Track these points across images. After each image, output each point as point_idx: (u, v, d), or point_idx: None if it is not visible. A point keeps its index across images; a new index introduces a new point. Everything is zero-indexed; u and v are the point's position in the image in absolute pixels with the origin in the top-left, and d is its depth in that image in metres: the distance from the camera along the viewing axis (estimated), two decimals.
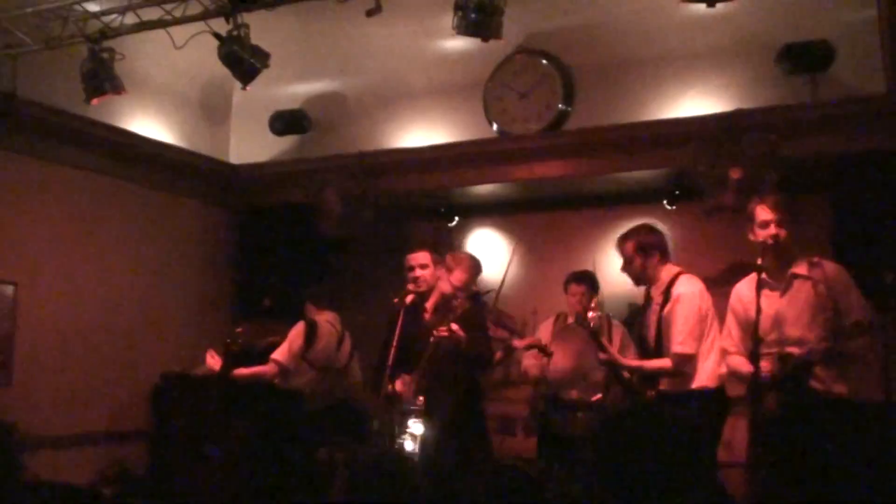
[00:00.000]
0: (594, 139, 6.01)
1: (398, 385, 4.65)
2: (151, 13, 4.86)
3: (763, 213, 4.01)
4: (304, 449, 5.40)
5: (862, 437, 3.98)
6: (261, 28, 4.75)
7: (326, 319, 5.51)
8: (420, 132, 6.71)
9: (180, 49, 4.71)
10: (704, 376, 4.44)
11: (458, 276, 4.97)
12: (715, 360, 4.46)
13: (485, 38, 4.38)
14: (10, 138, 5.52)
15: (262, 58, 4.75)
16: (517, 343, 5.51)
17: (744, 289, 4.17)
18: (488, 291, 4.93)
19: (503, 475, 4.60)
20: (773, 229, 3.96)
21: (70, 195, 5.96)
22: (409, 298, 4.88)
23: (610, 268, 6.22)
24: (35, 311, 5.62)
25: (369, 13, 4.35)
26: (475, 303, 4.68)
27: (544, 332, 5.73)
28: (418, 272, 4.93)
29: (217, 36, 4.65)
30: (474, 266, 5.11)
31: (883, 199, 5.22)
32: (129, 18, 4.93)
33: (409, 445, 4.53)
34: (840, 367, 3.90)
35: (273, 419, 5.32)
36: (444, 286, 5.08)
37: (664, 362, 4.53)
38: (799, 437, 3.80)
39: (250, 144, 7.26)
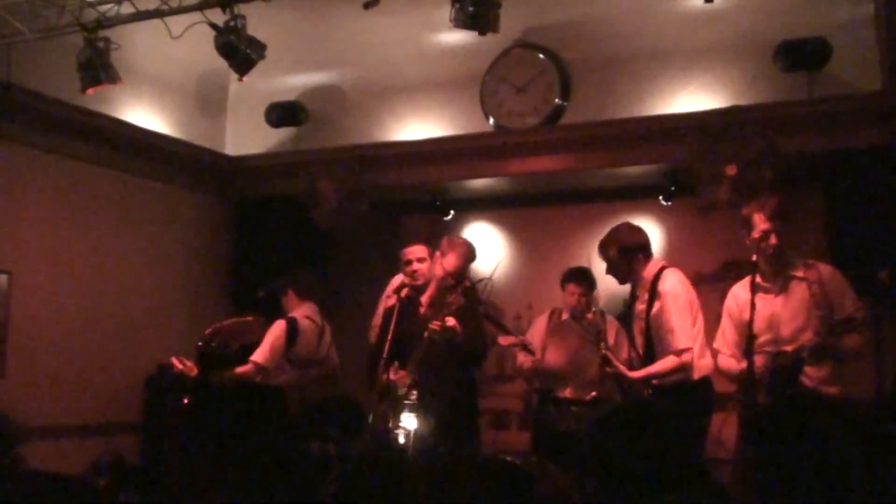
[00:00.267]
0: (591, 134, 6.01)
1: (392, 373, 4.65)
2: (148, 3, 4.84)
3: (761, 222, 4.01)
4: (291, 445, 5.39)
5: (851, 434, 4.00)
6: (257, 19, 4.73)
7: (305, 314, 5.37)
8: (416, 125, 6.70)
9: (176, 39, 4.68)
10: (701, 370, 4.48)
11: (450, 261, 4.98)
12: (699, 351, 4.48)
13: (482, 32, 4.37)
14: (4, 127, 5.49)
15: (258, 49, 4.73)
16: (501, 340, 5.48)
17: (740, 291, 4.19)
18: (480, 280, 4.89)
19: (496, 469, 4.61)
20: (772, 239, 3.97)
21: (65, 185, 5.94)
22: (404, 292, 4.88)
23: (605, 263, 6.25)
24: (29, 300, 5.60)
25: (367, 5, 4.34)
26: (469, 296, 4.68)
27: (539, 328, 5.73)
28: (416, 266, 4.93)
29: (213, 26, 4.63)
30: (469, 252, 5.08)
31: (878, 197, 5.23)
32: (126, 8, 4.90)
33: (403, 439, 4.53)
34: (833, 366, 3.92)
35: (256, 417, 5.17)
36: (437, 269, 5.10)
37: (669, 362, 4.52)
38: (787, 434, 3.81)
39: (246, 136, 7.24)
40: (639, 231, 4.78)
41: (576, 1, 6.01)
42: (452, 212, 7.13)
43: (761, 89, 5.63)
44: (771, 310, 3.97)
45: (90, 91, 5.08)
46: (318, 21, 6.26)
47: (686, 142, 5.54)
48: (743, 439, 4.08)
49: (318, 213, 6.55)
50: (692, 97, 5.85)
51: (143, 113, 6.52)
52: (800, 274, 3.99)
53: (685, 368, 4.50)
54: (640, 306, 4.65)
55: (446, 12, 4.37)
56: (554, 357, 5.51)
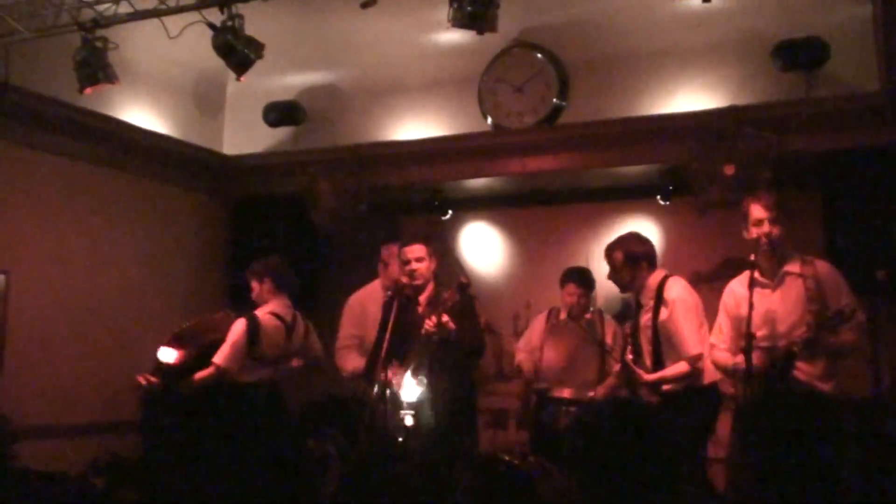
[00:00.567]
0: (589, 134, 6.02)
1: (390, 372, 4.64)
2: (145, 2, 4.84)
3: (757, 210, 4.03)
4: (289, 443, 5.37)
5: (844, 431, 4.01)
6: (255, 18, 4.73)
7: (272, 310, 5.14)
8: (414, 125, 6.70)
9: (174, 39, 4.68)
10: (710, 374, 4.49)
11: (394, 270, 5.14)
12: (707, 356, 4.51)
13: (480, 31, 4.37)
14: (1, 127, 5.49)
15: (256, 48, 4.73)
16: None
17: (737, 286, 4.19)
18: (467, 284, 4.80)
19: (495, 469, 4.62)
20: (766, 227, 3.99)
21: (62, 184, 5.93)
22: (403, 291, 4.88)
23: (604, 263, 6.25)
24: (27, 300, 5.59)
25: (364, 5, 4.34)
26: (464, 294, 4.67)
27: (537, 328, 5.73)
28: (414, 265, 4.92)
29: (211, 26, 4.63)
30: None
31: (876, 196, 5.23)
32: (123, 7, 4.90)
33: (401, 438, 4.53)
34: (827, 362, 3.92)
35: (234, 417, 5.00)
36: (385, 281, 5.35)
37: (682, 367, 4.51)
38: (778, 429, 3.82)
39: (244, 135, 7.23)
40: (646, 241, 4.81)
41: (574, 1, 6.01)
42: (451, 211, 7.13)
43: (759, 89, 5.64)
44: (767, 305, 3.98)
45: (88, 90, 5.08)
46: (315, 21, 6.26)
47: (684, 141, 5.55)
48: (736, 435, 4.08)
49: (316, 212, 6.55)
50: (690, 97, 5.85)
51: (141, 112, 6.51)
52: (797, 270, 4.00)
53: (697, 374, 4.53)
54: (646, 315, 4.65)
55: (444, 12, 4.37)
56: (552, 357, 5.50)
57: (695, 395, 4.48)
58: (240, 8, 4.61)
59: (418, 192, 7.00)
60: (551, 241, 6.73)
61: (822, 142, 5.42)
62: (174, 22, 4.74)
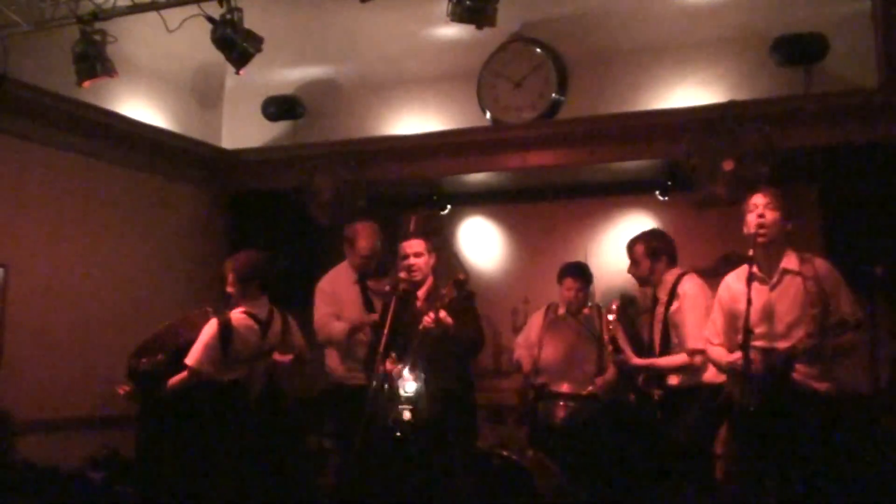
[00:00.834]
0: (588, 129, 6.01)
1: (388, 364, 4.65)
2: None
3: (755, 199, 4.04)
4: (286, 439, 5.35)
5: (841, 430, 4.02)
6: (254, 12, 4.72)
7: (247, 310, 4.93)
8: (413, 120, 6.69)
9: (173, 32, 4.67)
10: (712, 371, 4.49)
11: (363, 245, 5.39)
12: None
13: (479, 26, 4.36)
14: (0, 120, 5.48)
15: (255, 42, 4.71)
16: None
17: (733, 280, 4.19)
18: (464, 280, 4.80)
19: (493, 463, 4.63)
20: (761, 210, 3.97)
21: (61, 178, 5.92)
22: (402, 287, 4.88)
23: (602, 258, 6.27)
24: (25, 294, 5.58)
25: None
26: (462, 288, 4.67)
27: (535, 323, 5.74)
28: (412, 260, 4.93)
29: (210, 19, 4.61)
30: (376, 230, 5.53)
31: (874, 192, 5.23)
32: (122, 0, 4.90)
33: (400, 433, 4.53)
34: (824, 363, 3.92)
35: (222, 415, 4.84)
36: (354, 259, 5.49)
37: (678, 358, 4.67)
38: (777, 430, 3.82)
39: (243, 129, 7.23)
40: (667, 238, 5.04)
41: None
42: (449, 206, 7.13)
43: (758, 84, 5.63)
44: (765, 302, 3.96)
45: (86, 84, 5.06)
46: (315, 15, 6.25)
47: (683, 137, 5.54)
48: (734, 435, 4.09)
49: (314, 207, 6.54)
50: (689, 92, 5.85)
51: (140, 106, 6.50)
52: (795, 268, 3.99)
53: (693, 369, 4.54)
54: (660, 309, 4.82)
55: (443, 6, 4.36)
56: (550, 352, 5.51)
57: (700, 392, 4.50)
58: (239, 1, 4.60)
59: (417, 187, 6.99)
60: (550, 237, 6.73)
61: (820, 137, 5.42)
62: (173, 15, 4.72)
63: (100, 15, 4.88)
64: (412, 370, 4.60)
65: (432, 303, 4.67)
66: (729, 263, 4.35)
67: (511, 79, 6.26)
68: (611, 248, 6.44)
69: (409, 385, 4.58)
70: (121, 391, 4.88)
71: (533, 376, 5.52)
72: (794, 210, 4.09)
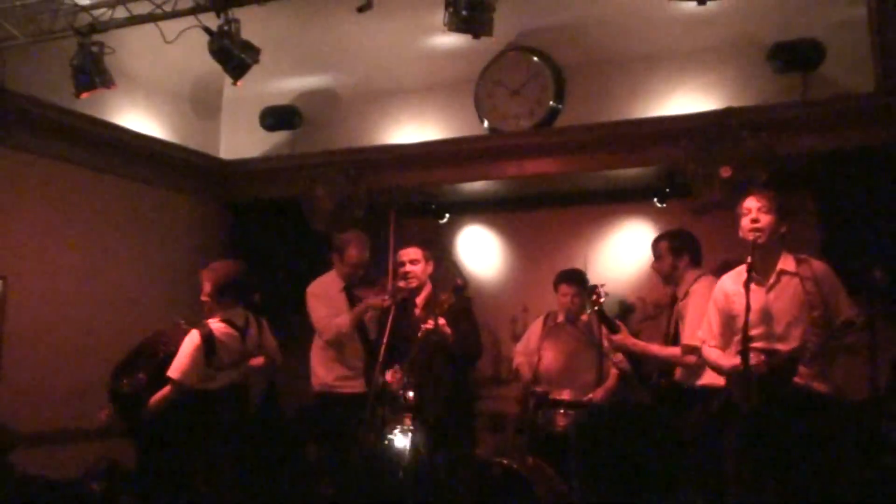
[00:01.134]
0: (585, 136, 6.02)
1: (388, 376, 4.65)
2: (141, 7, 4.84)
3: (748, 202, 4.05)
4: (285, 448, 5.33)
5: (843, 431, 4.01)
6: (251, 23, 4.73)
7: (226, 318, 4.89)
8: (411, 129, 6.70)
9: (170, 44, 4.69)
10: (711, 374, 4.49)
11: (352, 255, 5.45)
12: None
13: (476, 35, 4.38)
14: None
15: (252, 53, 4.73)
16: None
17: (728, 282, 4.19)
18: (463, 286, 4.85)
19: (493, 472, 4.62)
20: (754, 214, 3.98)
21: (59, 189, 5.93)
22: (400, 295, 4.89)
23: (601, 265, 6.27)
24: (23, 305, 5.59)
25: (360, 9, 4.34)
26: (460, 295, 4.68)
27: (535, 331, 5.73)
28: (409, 267, 4.93)
29: (207, 31, 4.63)
30: (364, 239, 5.60)
31: (871, 198, 5.24)
32: (119, 12, 4.91)
33: (399, 441, 4.52)
34: (824, 364, 3.92)
35: (211, 425, 4.81)
36: (343, 269, 5.54)
37: (672, 350, 4.81)
38: (780, 433, 3.81)
39: (241, 140, 7.24)
40: (692, 238, 5.11)
41: (569, 4, 6.02)
42: (448, 215, 7.13)
43: (755, 91, 5.65)
44: (761, 304, 3.96)
45: (84, 95, 5.09)
46: (312, 25, 6.27)
47: (680, 144, 5.55)
48: (736, 438, 4.08)
49: (312, 216, 6.54)
50: (686, 99, 5.86)
51: (138, 117, 6.51)
52: (792, 269, 3.99)
53: (689, 366, 4.57)
54: (676, 306, 4.94)
55: (440, 16, 4.37)
56: (550, 360, 5.51)
57: (701, 394, 4.51)
58: (236, 12, 4.62)
59: (415, 196, 7.00)
60: (548, 245, 6.73)
61: (817, 143, 5.42)
62: (170, 27, 4.74)
63: (97, 27, 4.90)
64: (411, 377, 4.60)
65: (431, 309, 4.67)
66: (727, 270, 4.34)
67: (508, 87, 6.28)
68: (609, 255, 6.46)
69: (408, 393, 4.58)
70: (102, 416, 4.78)
71: (532, 384, 5.51)
72: (790, 213, 4.09)
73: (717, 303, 4.20)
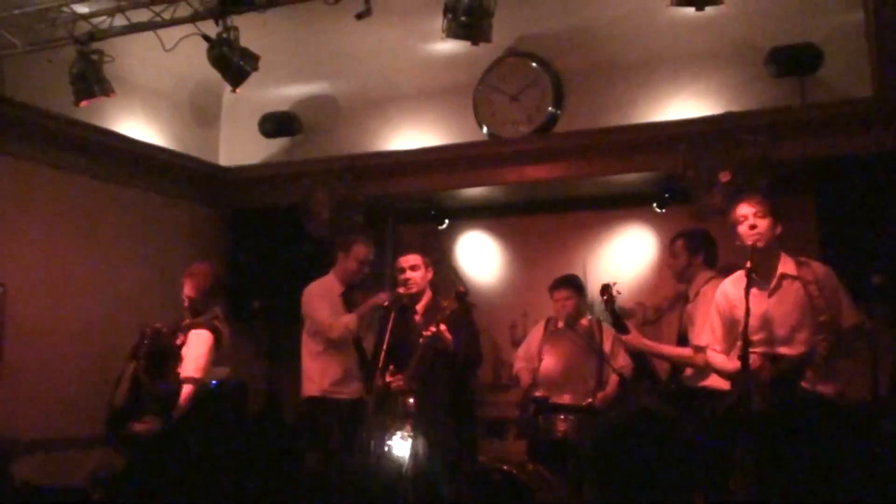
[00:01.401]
0: (584, 142, 6.03)
1: (387, 378, 4.64)
2: (140, 15, 4.85)
3: (741, 209, 4.04)
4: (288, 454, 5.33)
5: (851, 436, 4.00)
6: (250, 30, 4.74)
7: (214, 315, 5.03)
8: (410, 135, 6.71)
9: (170, 51, 4.69)
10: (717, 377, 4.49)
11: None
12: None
13: (474, 42, 4.38)
14: None
15: (251, 60, 4.74)
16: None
17: (729, 287, 4.18)
18: (465, 292, 4.85)
19: (493, 478, 4.61)
20: (751, 220, 3.97)
21: (59, 197, 5.93)
22: (403, 301, 4.89)
23: (600, 271, 6.26)
24: (23, 313, 5.58)
25: (359, 16, 4.34)
26: (462, 302, 4.68)
27: (535, 337, 5.73)
28: (409, 274, 4.94)
29: (206, 38, 4.64)
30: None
31: (869, 202, 5.24)
32: (119, 20, 4.91)
33: (399, 448, 4.52)
34: (829, 366, 3.92)
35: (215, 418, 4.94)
36: (350, 264, 5.57)
37: (683, 351, 4.84)
38: (788, 437, 3.81)
39: (240, 147, 7.25)
40: (711, 240, 5.10)
41: (568, 9, 6.02)
42: (447, 221, 7.13)
43: (753, 95, 5.65)
44: (763, 308, 3.95)
45: (84, 104, 5.09)
46: (311, 32, 6.27)
47: (679, 149, 5.55)
48: (743, 442, 4.07)
49: (312, 223, 6.54)
50: (685, 104, 5.87)
51: (137, 125, 6.52)
52: (793, 272, 3.98)
53: (696, 365, 4.58)
54: (688, 306, 4.98)
55: (439, 22, 4.37)
56: (550, 364, 5.50)
57: (709, 396, 4.51)
58: (235, 20, 4.62)
59: (414, 202, 7.00)
60: (548, 250, 6.73)
61: (816, 148, 5.43)
62: (169, 34, 4.75)
63: (96, 35, 4.91)
64: (412, 383, 4.60)
65: (433, 315, 4.68)
66: (727, 275, 4.34)
67: (507, 93, 6.28)
68: (609, 260, 6.45)
69: (408, 399, 4.58)
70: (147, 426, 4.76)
71: (533, 389, 5.51)
72: (784, 214, 4.08)
73: (719, 307, 4.19)
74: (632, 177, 6.22)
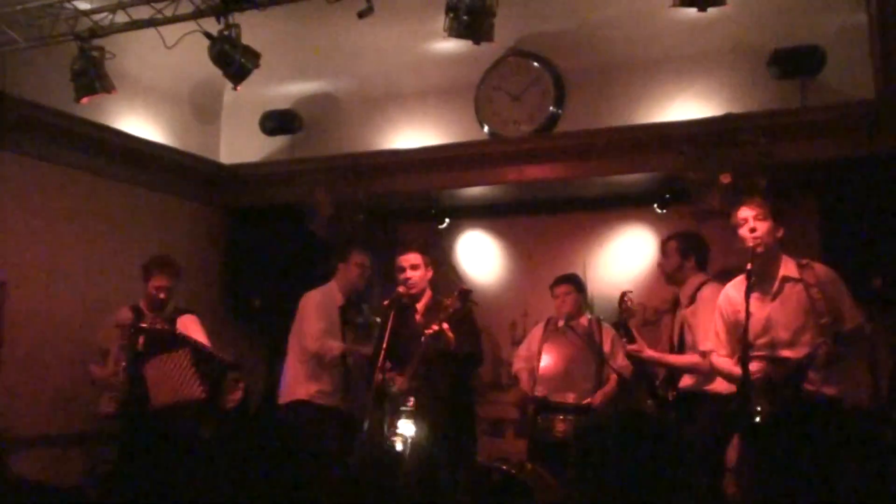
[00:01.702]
0: (585, 142, 6.02)
1: (388, 380, 4.64)
2: (142, 12, 4.84)
3: (742, 212, 4.03)
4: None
5: (854, 439, 4.00)
6: (252, 28, 4.73)
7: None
8: (411, 134, 6.70)
9: (171, 48, 4.69)
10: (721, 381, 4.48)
11: (357, 259, 5.68)
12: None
13: (476, 41, 4.37)
14: None
15: (252, 58, 4.74)
16: None
17: (732, 291, 4.17)
18: (469, 292, 4.86)
19: (492, 477, 4.61)
20: (751, 224, 3.97)
21: (59, 193, 5.93)
22: (404, 301, 4.89)
23: (601, 271, 6.26)
24: (22, 309, 5.58)
25: (361, 14, 4.34)
26: (465, 301, 4.68)
27: (535, 336, 5.73)
28: (409, 273, 4.93)
29: (208, 35, 4.63)
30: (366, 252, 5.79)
31: (871, 204, 5.23)
32: (120, 17, 4.91)
33: (400, 446, 4.52)
34: (830, 368, 3.91)
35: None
36: (351, 271, 5.73)
37: (690, 357, 4.73)
38: (792, 440, 3.80)
39: (241, 144, 7.24)
40: (703, 242, 5.06)
41: (570, 9, 6.02)
42: (448, 220, 7.12)
43: (755, 97, 5.64)
44: (766, 312, 3.94)
45: (84, 100, 5.09)
46: (312, 30, 6.27)
47: (680, 150, 5.55)
48: (743, 446, 4.07)
49: (312, 221, 6.54)
50: (686, 105, 5.86)
51: (138, 121, 6.52)
52: (795, 274, 3.97)
53: (703, 371, 4.57)
54: (681, 311, 4.92)
55: (441, 21, 4.37)
56: (550, 364, 5.50)
57: (710, 399, 4.51)
58: (236, 17, 4.62)
59: (415, 201, 7.00)
60: (548, 250, 6.72)
61: (817, 149, 5.42)
62: (171, 31, 4.74)
63: (98, 32, 4.90)
64: (412, 383, 4.59)
65: (434, 314, 4.67)
66: (728, 276, 4.34)
67: (509, 92, 6.28)
68: (609, 260, 6.45)
69: (409, 398, 4.57)
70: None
71: (532, 389, 5.51)
72: (785, 217, 4.07)
73: (722, 311, 4.18)
74: (633, 177, 6.21)
